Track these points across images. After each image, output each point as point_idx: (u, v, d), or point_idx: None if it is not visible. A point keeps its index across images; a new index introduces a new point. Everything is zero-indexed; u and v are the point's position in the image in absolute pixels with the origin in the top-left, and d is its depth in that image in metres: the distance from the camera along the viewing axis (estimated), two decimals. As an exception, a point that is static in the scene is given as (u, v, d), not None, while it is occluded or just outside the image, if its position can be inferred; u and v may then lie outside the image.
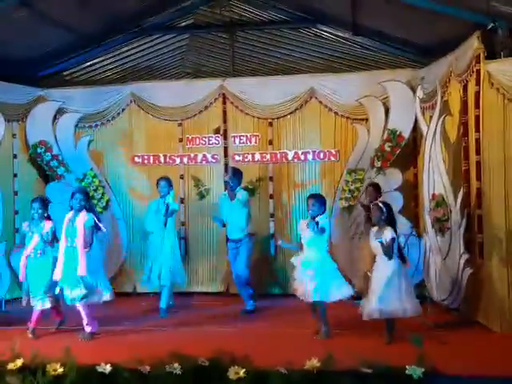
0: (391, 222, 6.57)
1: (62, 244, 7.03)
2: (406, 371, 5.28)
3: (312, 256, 6.82)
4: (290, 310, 7.90)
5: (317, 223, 6.71)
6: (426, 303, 7.45)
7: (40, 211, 7.16)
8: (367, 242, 6.96)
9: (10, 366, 5.82)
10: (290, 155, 9.37)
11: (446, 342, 6.29)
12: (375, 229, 6.64)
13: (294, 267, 7.02)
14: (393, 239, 6.46)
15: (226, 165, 9.38)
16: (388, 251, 6.44)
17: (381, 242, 6.46)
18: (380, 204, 6.66)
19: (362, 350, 5.82)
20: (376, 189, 8.07)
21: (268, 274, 9.41)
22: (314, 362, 5.46)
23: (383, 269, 6.50)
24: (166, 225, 8.04)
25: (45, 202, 7.36)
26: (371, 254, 6.79)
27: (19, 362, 5.83)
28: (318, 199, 6.94)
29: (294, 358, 5.59)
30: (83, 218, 7.00)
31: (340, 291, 6.79)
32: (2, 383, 5.88)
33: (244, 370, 5.47)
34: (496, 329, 6.68)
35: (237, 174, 8.27)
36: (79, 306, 7.01)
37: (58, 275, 6.96)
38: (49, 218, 7.24)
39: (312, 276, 6.75)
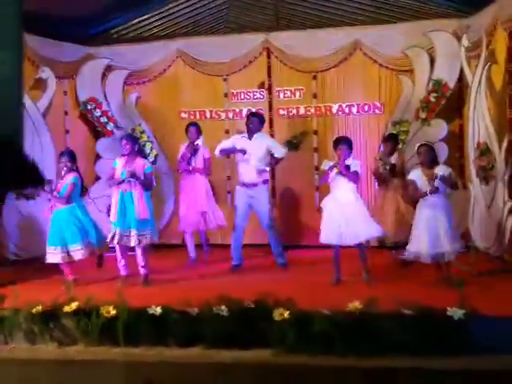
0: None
1: (115, 188, 7.31)
2: (447, 312, 5.39)
3: (345, 198, 6.92)
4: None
5: (348, 166, 6.80)
6: (470, 252, 7.52)
7: (69, 164, 7.34)
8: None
9: (66, 308, 6.14)
10: (335, 108, 9.40)
11: (489, 287, 6.37)
12: (420, 169, 6.67)
13: (323, 212, 7.12)
14: (451, 174, 6.55)
15: (271, 119, 9.48)
16: (452, 184, 6.55)
17: (442, 177, 6.49)
18: (431, 144, 6.76)
19: (404, 294, 5.96)
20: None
21: (313, 227, 9.52)
22: (356, 304, 5.60)
23: (433, 209, 6.58)
24: (192, 169, 8.24)
25: (73, 155, 7.49)
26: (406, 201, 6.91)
27: (74, 305, 6.14)
28: (346, 141, 7.02)
29: (336, 301, 5.77)
30: (143, 164, 7.32)
31: (372, 230, 6.95)
32: (58, 325, 6.22)
33: (288, 311, 5.67)
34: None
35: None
36: (138, 249, 7.29)
37: (113, 217, 7.25)
38: (76, 170, 7.41)
39: (348, 218, 6.86)
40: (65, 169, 7.33)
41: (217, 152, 8.06)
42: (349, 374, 5.22)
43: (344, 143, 7.03)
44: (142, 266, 7.37)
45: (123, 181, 7.22)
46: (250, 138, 7.89)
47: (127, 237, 7.24)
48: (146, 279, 7.36)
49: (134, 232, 7.22)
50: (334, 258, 7.10)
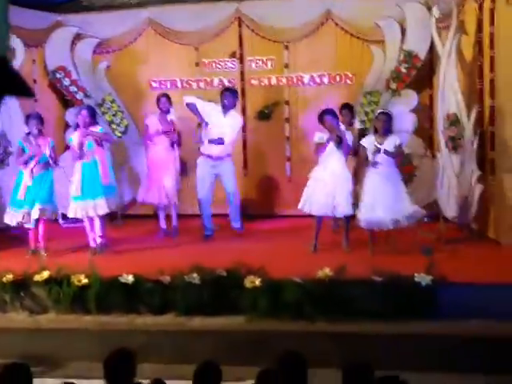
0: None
1: (78, 162, 7.32)
2: (415, 279, 5.52)
3: (334, 169, 7.00)
4: (303, 228, 8.11)
5: (339, 137, 6.87)
6: (438, 221, 7.65)
7: (40, 127, 7.39)
8: None
9: (37, 277, 6.15)
10: (306, 79, 9.39)
11: (456, 255, 6.50)
12: (374, 137, 6.79)
13: (311, 183, 7.18)
14: (401, 145, 6.69)
15: (242, 89, 9.46)
16: (397, 156, 6.71)
17: (385, 151, 6.66)
18: (389, 112, 6.84)
19: (372, 260, 6.07)
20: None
21: (281, 195, 9.59)
22: (326, 271, 5.70)
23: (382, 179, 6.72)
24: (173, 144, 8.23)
25: (42, 119, 7.54)
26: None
27: (45, 274, 6.14)
28: (335, 113, 7.11)
29: (307, 270, 5.85)
30: (96, 128, 7.42)
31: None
32: (29, 294, 6.23)
33: (260, 279, 5.74)
34: (506, 242, 6.86)
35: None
36: (96, 218, 7.29)
37: (77, 191, 7.23)
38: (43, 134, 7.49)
39: (334, 190, 6.95)
40: (36, 131, 7.34)
41: (188, 100, 8.07)
42: (318, 339, 5.32)
43: (334, 114, 7.12)
44: (100, 236, 7.38)
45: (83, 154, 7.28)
46: (224, 114, 7.89)
47: (91, 205, 7.23)
48: (102, 247, 7.36)
49: (97, 199, 7.23)
50: (316, 227, 7.15)
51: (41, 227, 7.34)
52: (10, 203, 7.42)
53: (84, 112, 7.45)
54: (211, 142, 7.86)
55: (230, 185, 8.07)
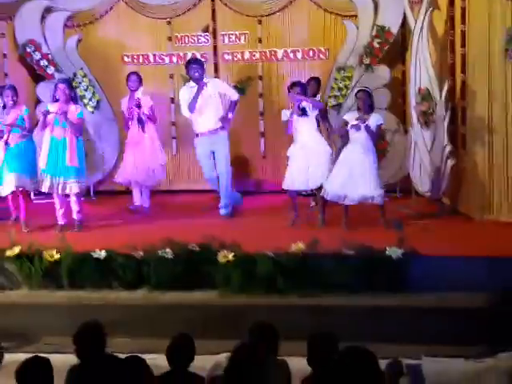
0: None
1: (47, 134, 7.21)
2: (386, 252, 5.58)
3: (304, 142, 7.04)
4: (277, 204, 8.14)
5: (301, 108, 6.92)
6: (410, 195, 7.73)
7: (15, 98, 7.32)
8: None
9: (8, 253, 6.11)
10: (280, 54, 9.33)
11: (428, 229, 6.57)
12: (356, 114, 6.80)
13: (289, 161, 7.21)
14: (381, 125, 6.69)
15: (216, 64, 9.40)
16: (375, 136, 6.65)
17: (367, 127, 6.69)
18: (369, 90, 6.85)
19: (346, 235, 6.11)
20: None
21: (257, 173, 9.59)
22: (299, 245, 5.74)
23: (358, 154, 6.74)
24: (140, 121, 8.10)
25: (16, 90, 7.46)
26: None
27: (17, 249, 6.11)
28: (302, 85, 7.18)
29: (280, 244, 5.88)
30: (75, 110, 7.22)
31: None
32: (0, 270, 6.19)
33: (232, 253, 5.77)
34: (476, 216, 6.95)
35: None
36: (72, 195, 7.23)
37: (43, 164, 7.15)
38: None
39: (307, 163, 7.01)
40: (11, 103, 7.27)
41: (186, 113, 7.84)
42: (291, 312, 5.37)
43: (300, 86, 7.22)
44: (77, 212, 7.32)
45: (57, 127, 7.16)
46: (200, 86, 7.66)
47: (60, 184, 7.16)
48: (80, 224, 7.31)
49: (66, 179, 7.15)
50: (292, 201, 7.24)
51: (20, 199, 7.29)
52: None
53: (62, 85, 7.29)
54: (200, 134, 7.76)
55: (221, 164, 7.79)
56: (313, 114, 7.11)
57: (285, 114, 7.17)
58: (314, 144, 7.10)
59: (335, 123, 8.74)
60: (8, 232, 6.61)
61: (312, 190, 7.47)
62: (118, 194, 8.98)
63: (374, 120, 6.81)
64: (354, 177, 6.70)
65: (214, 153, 7.83)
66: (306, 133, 7.09)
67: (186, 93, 7.85)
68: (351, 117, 6.92)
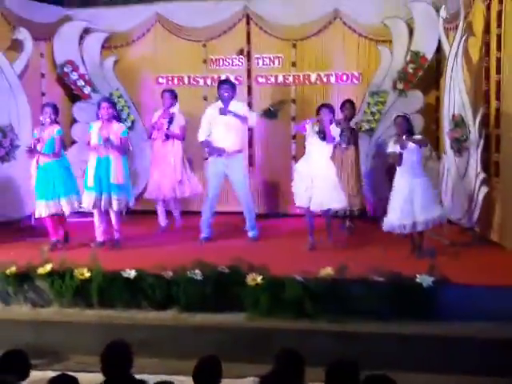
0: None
1: (92, 153, 7.29)
2: (417, 279, 5.52)
3: (318, 162, 7.07)
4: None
5: (323, 132, 6.99)
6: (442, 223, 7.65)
7: (53, 117, 7.32)
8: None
9: (40, 270, 6.18)
10: (313, 77, 9.38)
11: (459, 257, 6.50)
12: (394, 139, 6.75)
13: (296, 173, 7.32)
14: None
15: (249, 87, 9.47)
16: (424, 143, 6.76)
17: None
18: (407, 115, 6.83)
19: (375, 261, 6.07)
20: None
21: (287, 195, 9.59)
22: (328, 270, 5.72)
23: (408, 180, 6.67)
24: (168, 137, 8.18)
25: (57, 108, 7.47)
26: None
27: (48, 267, 6.18)
28: (328, 106, 7.19)
29: (309, 268, 5.86)
30: (119, 128, 7.33)
31: (336, 202, 7.15)
32: (32, 287, 6.27)
33: (261, 276, 5.76)
34: (508, 246, 6.85)
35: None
36: (112, 213, 7.34)
37: (89, 182, 7.24)
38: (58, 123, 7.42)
39: (316, 185, 7.02)
40: (48, 120, 7.28)
41: (200, 137, 7.86)
42: (319, 338, 5.34)
43: (326, 107, 7.23)
44: (116, 230, 7.41)
45: (100, 145, 7.23)
46: (225, 109, 7.64)
47: (104, 201, 7.25)
48: (118, 242, 7.43)
49: (110, 196, 7.24)
50: (308, 223, 7.23)
51: (57, 219, 7.37)
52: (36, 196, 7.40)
53: (105, 104, 7.38)
54: (211, 152, 7.73)
55: (240, 187, 7.79)
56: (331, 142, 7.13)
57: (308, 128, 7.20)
58: (324, 168, 7.11)
59: (367, 149, 8.78)
60: (40, 249, 6.71)
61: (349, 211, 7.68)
62: (149, 213, 9.04)
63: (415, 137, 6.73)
64: (405, 205, 6.61)
65: (226, 175, 7.80)
66: (319, 155, 7.11)
67: (209, 117, 7.82)
68: (392, 146, 6.77)
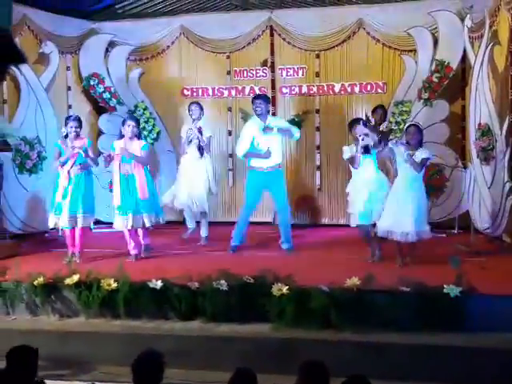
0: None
1: (116, 172, 7.35)
2: (444, 290, 5.47)
3: (371, 176, 7.04)
4: (331, 237, 8.14)
5: (365, 148, 6.89)
6: (469, 232, 7.58)
7: (78, 130, 7.41)
8: None
9: (67, 281, 6.23)
10: (337, 88, 9.39)
11: (486, 267, 6.43)
12: (405, 147, 6.69)
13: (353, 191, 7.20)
14: (428, 159, 6.63)
15: (273, 97, 9.49)
16: (419, 169, 6.58)
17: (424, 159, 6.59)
18: (420, 125, 6.79)
19: (402, 272, 6.03)
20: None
21: (314, 206, 9.60)
22: (354, 281, 5.69)
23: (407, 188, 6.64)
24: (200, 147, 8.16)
25: (81, 121, 7.59)
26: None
27: (75, 278, 6.22)
28: (359, 123, 7.09)
29: (335, 278, 5.84)
30: (139, 144, 7.39)
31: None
32: (59, 297, 6.32)
33: (287, 287, 5.75)
34: (536, 255, 6.78)
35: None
36: (140, 230, 7.41)
37: (117, 201, 7.31)
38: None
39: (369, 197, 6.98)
40: (73, 133, 7.35)
41: (239, 152, 7.91)
42: (345, 348, 5.30)
43: (363, 123, 7.04)
44: (144, 238, 7.51)
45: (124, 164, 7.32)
46: (266, 126, 7.64)
47: (136, 220, 7.28)
48: (147, 247, 7.53)
49: (141, 215, 7.30)
50: (366, 237, 7.16)
51: (78, 232, 7.39)
52: (50, 206, 7.53)
53: (131, 123, 7.41)
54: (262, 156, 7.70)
55: (281, 201, 7.79)
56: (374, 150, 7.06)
57: (346, 152, 7.11)
58: (376, 181, 7.06)
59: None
60: (67, 260, 6.77)
61: None
62: (174, 223, 9.09)
63: (419, 154, 6.67)
64: (399, 213, 6.62)
65: (266, 188, 7.82)
66: (368, 170, 7.06)
67: (248, 132, 7.83)
68: (399, 151, 6.73)
